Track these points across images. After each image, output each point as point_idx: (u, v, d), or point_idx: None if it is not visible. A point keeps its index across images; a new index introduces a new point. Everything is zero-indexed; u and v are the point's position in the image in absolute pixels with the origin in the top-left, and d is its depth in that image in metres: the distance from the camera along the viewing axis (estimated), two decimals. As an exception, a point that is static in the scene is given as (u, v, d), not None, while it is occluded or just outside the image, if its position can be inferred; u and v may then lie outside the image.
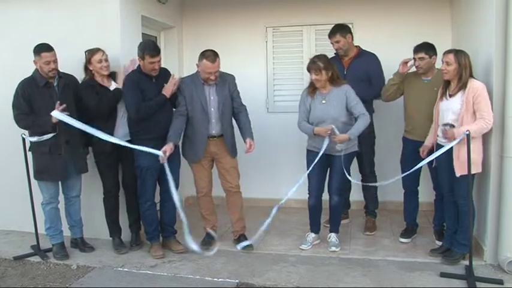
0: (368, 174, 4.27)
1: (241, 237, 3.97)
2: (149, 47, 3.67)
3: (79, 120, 3.73)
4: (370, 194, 4.32)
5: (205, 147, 3.80)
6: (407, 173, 3.48)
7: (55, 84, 3.73)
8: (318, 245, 3.96)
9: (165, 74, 3.81)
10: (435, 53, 3.74)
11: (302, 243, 3.94)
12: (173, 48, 5.25)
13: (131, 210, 3.98)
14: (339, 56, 4.22)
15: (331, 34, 4.14)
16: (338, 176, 3.77)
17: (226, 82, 3.85)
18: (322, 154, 3.67)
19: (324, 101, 3.72)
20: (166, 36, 5.25)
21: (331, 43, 4.16)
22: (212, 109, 3.79)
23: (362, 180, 4.30)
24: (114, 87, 3.80)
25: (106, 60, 3.78)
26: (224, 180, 3.96)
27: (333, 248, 3.81)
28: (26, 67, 3.86)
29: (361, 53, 4.17)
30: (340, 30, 4.11)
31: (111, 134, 3.75)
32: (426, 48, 3.72)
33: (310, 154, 3.81)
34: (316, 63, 3.63)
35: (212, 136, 3.82)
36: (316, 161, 3.66)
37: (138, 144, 3.70)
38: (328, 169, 3.89)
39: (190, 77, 3.87)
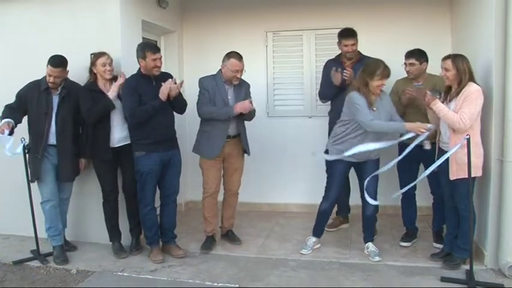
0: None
1: (229, 233, 4.16)
2: (149, 45, 3.80)
3: (78, 125, 3.88)
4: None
5: (223, 143, 3.86)
6: (410, 184, 3.50)
7: (57, 92, 3.81)
8: (318, 249, 3.95)
9: (167, 77, 3.77)
10: (426, 60, 3.81)
11: (302, 247, 3.92)
12: (173, 53, 5.25)
13: (132, 214, 3.97)
14: (340, 59, 4.23)
15: (351, 36, 4.13)
16: (371, 183, 3.62)
17: (243, 87, 3.97)
18: (352, 162, 3.66)
19: (374, 108, 3.54)
20: (167, 40, 5.27)
21: (345, 45, 4.13)
22: None
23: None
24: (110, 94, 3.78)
25: (110, 64, 3.81)
26: (229, 181, 4.05)
27: (377, 258, 3.67)
28: (27, 70, 3.88)
29: (362, 58, 4.18)
30: (356, 34, 4.15)
31: (106, 137, 3.77)
32: (417, 54, 3.79)
33: (337, 163, 3.66)
34: (388, 68, 3.50)
35: (228, 136, 3.88)
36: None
37: (137, 149, 3.72)
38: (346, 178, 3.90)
39: (211, 76, 3.92)
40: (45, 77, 3.76)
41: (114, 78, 3.87)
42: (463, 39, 4.24)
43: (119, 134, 3.83)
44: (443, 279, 3.25)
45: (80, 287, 3.37)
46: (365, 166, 3.70)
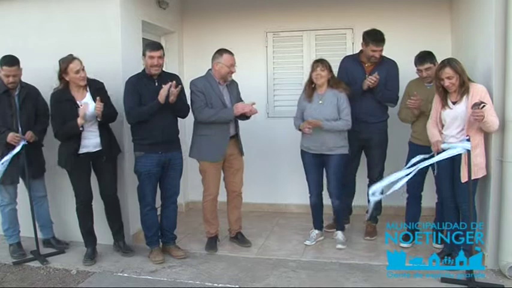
0: (376, 180, 4.12)
1: (238, 235, 4.15)
2: (150, 43, 3.83)
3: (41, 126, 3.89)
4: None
5: (227, 145, 3.86)
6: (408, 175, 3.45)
7: (16, 93, 3.81)
8: (318, 250, 3.96)
9: (171, 79, 3.74)
10: (436, 59, 3.76)
11: (306, 239, 4.09)
12: (174, 53, 5.25)
13: (112, 218, 3.93)
14: (359, 58, 4.15)
15: (382, 42, 3.96)
16: (334, 178, 3.93)
17: (234, 86, 4.02)
18: (316, 154, 3.94)
19: (320, 101, 3.90)
20: (167, 41, 5.26)
21: (374, 50, 3.96)
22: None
23: (369, 186, 4.25)
24: (88, 102, 3.65)
25: (83, 70, 3.63)
26: (232, 182, 4.05)
27: (339, 246, 3.94)
28: (26, 71, 3.87)
29: (382, 60, 4.08)
30: (385, 39, 3.98)
31: (77, 145, 3.66)
32: (430, 57, 3.77)
33: (304, 155, 4.05)
34: (324, 61, 3.89)
35: (229, 136, 3.90)
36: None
37: (137, 149, 3.74)
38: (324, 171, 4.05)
39: (203, 78, 3.91)
40: (1, 80, 3.73)
41: (94, 83, 3.77)
42: (463, 40, 4.23)
43: (94, 139, 3.72)
44: (444, 280, 3.25)
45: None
46: (329, 160, 3.92)
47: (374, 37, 3.97)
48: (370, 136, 4.10)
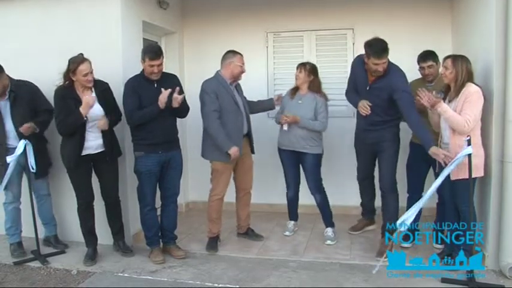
0: (388, 190, 3.86)
1: (249, 231, 4.29)
2: (150, 50, 3.67)
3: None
4: (390, 212, 3.85)
5: (242, 144, 3.92)
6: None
7: (6, 98, 3.79)
8: (318, 250, 3.96)
9: (170, 80, 3.76)
10: (438, 59, 3.79)
11: (286, 230, 4.38)
12: (174, 54, 5.25)
13: (113, 220, 3.93)
14: (364, 65, 3.75)
15: (384, 53, 3.53)
16: (310, 175, 4.11)
17: (239, 85, 4.08)
18: (291, 151, 4.12)
19: (300, 101, 4.10)
20: (168, 41, 5.27)
21: (375, 63, 3.56)
22: (242, 108, 3.95)
23: (382, 197, 3.93)
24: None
25: (92, 72, 3.60)
26: (243, 180, 4.14)
27: (328, 242, 4.09)
28: (28, 71, 3.87)
29: (388, 71, 3.65)
30: (388, 49, 3.57)
31: (77, 147, 3.63)
32: (433, 55, 3.82)
33: (280, 153, 4.24)
34: (305, 64, 4.12)
35: (243, 134, 3.97)
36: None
37: (137, 149, 3.75)
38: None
39: (214, 79, 3.92)
40: None
41: (99, 83, 3.74)
42: (463, 39, 4.23)
43: (95, 141, 3.70)
44: (444, 280, 3.25)
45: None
46: (304, 159, 4.09)
47: (375, 49, 3.53)
48: (375, 140, 3.88)
